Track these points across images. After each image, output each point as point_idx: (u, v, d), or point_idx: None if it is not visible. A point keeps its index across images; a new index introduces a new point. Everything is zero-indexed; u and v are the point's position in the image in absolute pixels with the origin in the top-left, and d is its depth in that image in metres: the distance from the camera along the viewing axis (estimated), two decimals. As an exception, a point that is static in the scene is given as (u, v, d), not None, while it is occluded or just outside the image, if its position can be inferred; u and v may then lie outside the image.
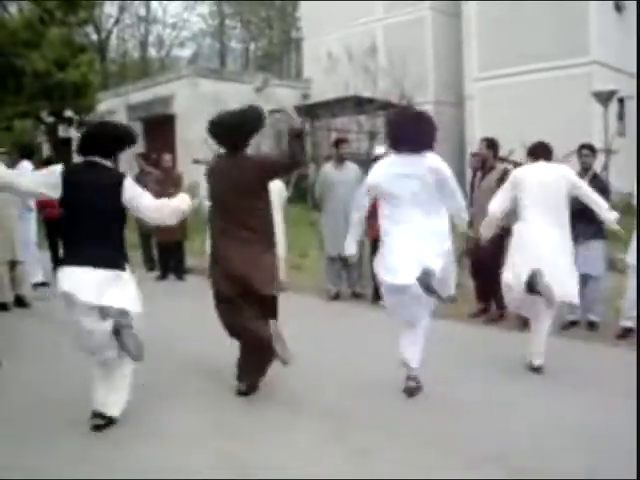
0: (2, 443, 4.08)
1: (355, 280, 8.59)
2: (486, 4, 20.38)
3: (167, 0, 52.78)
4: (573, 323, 6.78)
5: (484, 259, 6.93)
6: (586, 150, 6.80)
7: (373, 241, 8.18)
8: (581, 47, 18.81)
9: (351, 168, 8.52)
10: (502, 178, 7.07)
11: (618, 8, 20.53)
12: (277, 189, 8.75)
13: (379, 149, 8.61)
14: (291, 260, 10.51)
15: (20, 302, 8.14)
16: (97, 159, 4.29)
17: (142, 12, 44.67)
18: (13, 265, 8.15)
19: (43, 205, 10.81)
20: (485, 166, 7.30)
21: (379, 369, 5.31)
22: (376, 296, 8.08)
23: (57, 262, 10.69)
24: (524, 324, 6.71)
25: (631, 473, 3.34)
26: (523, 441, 3.93)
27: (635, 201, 6.18)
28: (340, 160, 8.49)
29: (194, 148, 18.63)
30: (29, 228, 9.10)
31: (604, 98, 15.57)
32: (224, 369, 5.41)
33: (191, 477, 3.56)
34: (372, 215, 8.00)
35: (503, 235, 6.73)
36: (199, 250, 10.20)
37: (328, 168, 8.57)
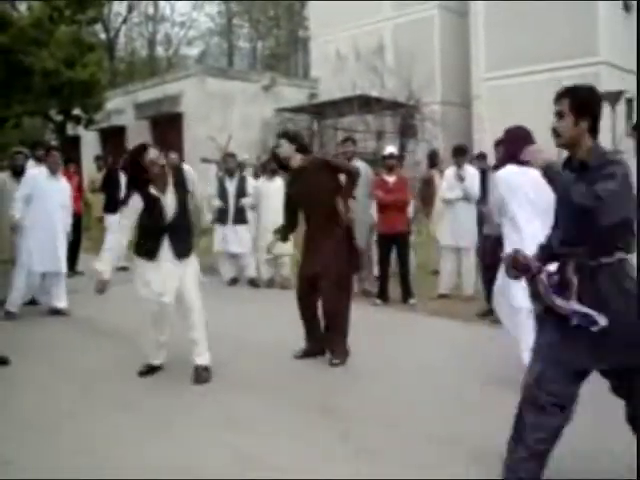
0: (8, 438, 4.11)
1: (365, 277, 8.61)
2: (494, 4, 20.36)
3: (175, -1, 52.83)
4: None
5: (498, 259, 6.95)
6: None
7: (381, 236, 8.21)
8: (589, 47, 18.78)
9: (360, 166, 8.52)
10: None
11: (627, 8, 20.48)
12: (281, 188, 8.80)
13: (389, 148, 8.63)
14: (297, 257, 10.54)
15: (30, 300, 8.14)
16: None
17: (150, 11, 44.87)
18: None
19: None
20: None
21: (385, 368, 5.33)
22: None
23: (69, 262, 10.64)
24: (531, 324, 6.74)
25: (631, 473, 3.35)
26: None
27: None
28: (348, 159, 8.49)
29: (201, 146, 18.68)
30: None
31: (612, 98, 15.53)
32: (230, 366, 5.45)
33: (199, 474, 3.59)
34: (383, 208, 8.06)
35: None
36: (206, 248, 10.24)
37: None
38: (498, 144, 7.22)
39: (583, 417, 4.25)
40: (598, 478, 3.43)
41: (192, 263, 5.26)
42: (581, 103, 3.19)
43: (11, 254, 7.84)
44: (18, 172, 8.14)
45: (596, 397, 4.60)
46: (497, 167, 5.43)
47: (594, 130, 3.16)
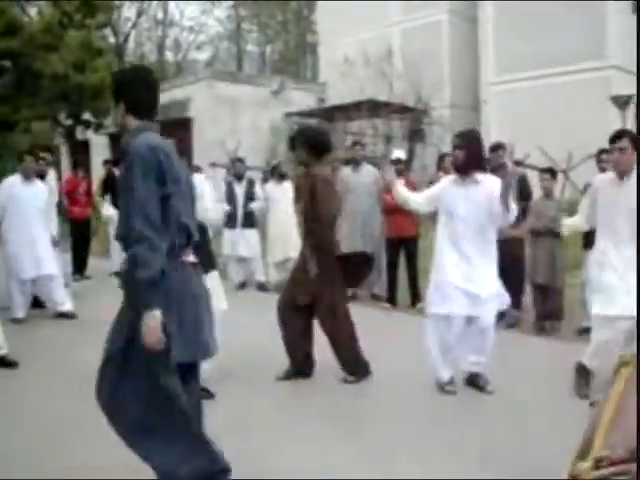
0: (17, 443, 4.11)
1: (374, 281, 8.59)
2: (503, 7, 20.33)
3: (185, 0, 52.93)
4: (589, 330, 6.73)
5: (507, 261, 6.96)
6: (606, 155, 6.74)
7: (389, 240, 8.19)
8: (599, 51, 18.72)
9: (368, 170, 8.54)
10: (521, 182, 7.09)
11: (637, 10, 20.38)
12: (290, 192, 8.84)
13: (397, 152, 8.62)
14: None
15: (37, 303, 8.15)
16: None
17: (160, 15, 44.94)
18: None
19: (70, 204, 10.85)
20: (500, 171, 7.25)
21: (392, 371, 5.31)
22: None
23: (78, 266, 10.75)
24: (541, 328, 6.71)
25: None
26: (535, 442, 3.92)
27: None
28: (356, 163, 8.51)
29: (211, 151, 18.71)
30: None
31: (622, 102, 15.48)
32: (237, 370, 5.44)
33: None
34: (391, 212, 8.04)
35: (523, 239, 6.78)
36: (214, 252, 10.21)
37: (346, 171, 8.56)
38: (494, 149, 7.18)
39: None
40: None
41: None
42: None
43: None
44: (40, 177, 8.16)
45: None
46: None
47: None
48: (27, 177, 7.65)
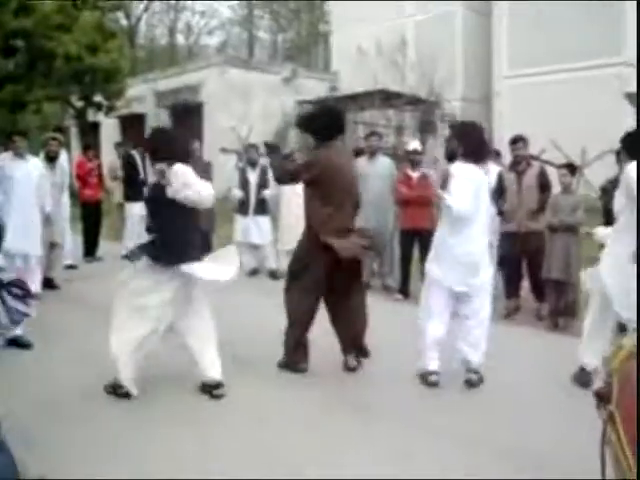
0: (20, 431, 4.12)
1: (387, 272, 8.58)
2: (518, 2, 20.20)
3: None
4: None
5: (527, 257, 6.98)
6: (624, 153, 6.72)
7: (403, 232, 8.16)
8: (614, 47, 18.58)
9: (383, 161, 8.51)
10: (541, 175, 7.09)
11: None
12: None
13: (414, 144, 8.58)
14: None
15: (49, 284, 8.16)
16: None
17: (172, -1, 44.83)
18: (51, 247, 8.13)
19: (81, 187, 10.85)
20: (521, 164, 7.20)
21: (405, 363, 5.30)
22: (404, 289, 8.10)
23: (89, 248, 10.77)
24: (555, 325, 6.69)
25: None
26: (545, 438, 3.92)
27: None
28: (372, 153, 8.48)
29: (222, 136, 18.67)
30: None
31: (634, 100, 15.39)
32: (251, 360, 5.44)
33: (220, 472, 3.56)
34: (406, 203, 8.02)
35: (543, 233, 6.77)
36: (227, 239, 10.22)
37: (361, 161, 8.51)
38: (514, 141, 7.17)
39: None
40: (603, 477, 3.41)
41: None
42: None
43: None
44: (52, 158, 8.11)
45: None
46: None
47: None
48: (18, 155, 7.12)
